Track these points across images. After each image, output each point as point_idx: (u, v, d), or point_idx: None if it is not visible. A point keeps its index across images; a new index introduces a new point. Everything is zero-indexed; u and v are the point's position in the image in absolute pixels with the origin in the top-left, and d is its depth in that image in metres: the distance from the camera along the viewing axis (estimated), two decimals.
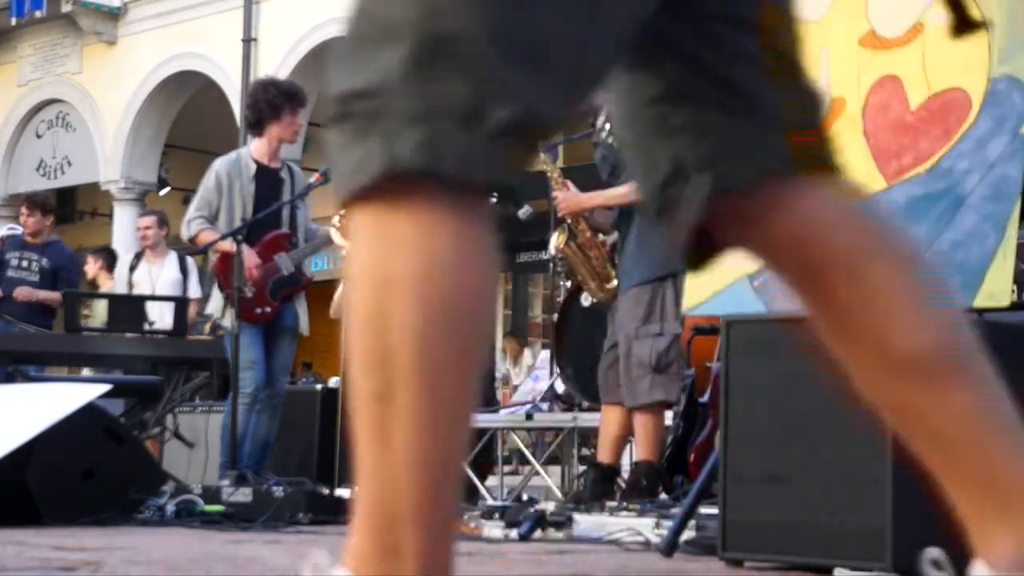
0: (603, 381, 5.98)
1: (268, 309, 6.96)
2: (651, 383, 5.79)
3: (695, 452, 6.06)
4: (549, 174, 6.05)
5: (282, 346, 7.10)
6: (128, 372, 8.19)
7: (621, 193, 5.92)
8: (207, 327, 7.86)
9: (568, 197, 6.00)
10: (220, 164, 7.09)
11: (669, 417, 6.49)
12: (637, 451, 6.02)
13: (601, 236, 6.10)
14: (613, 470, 6.03)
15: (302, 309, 7.17)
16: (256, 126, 7.15)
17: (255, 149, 7.14)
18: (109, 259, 11.26)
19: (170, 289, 9.39)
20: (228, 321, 6.91)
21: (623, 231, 5.96)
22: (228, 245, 6.76)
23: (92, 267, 11.18)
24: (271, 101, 7.07)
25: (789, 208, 1.63)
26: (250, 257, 6.81)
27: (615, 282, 6.03)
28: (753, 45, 1.57)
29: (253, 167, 7.04)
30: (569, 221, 6.04)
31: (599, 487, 5.90)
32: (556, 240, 6.05)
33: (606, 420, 5.97)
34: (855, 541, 3.31)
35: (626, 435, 6.05)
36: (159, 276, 9.57)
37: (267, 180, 7.07)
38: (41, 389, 6.14)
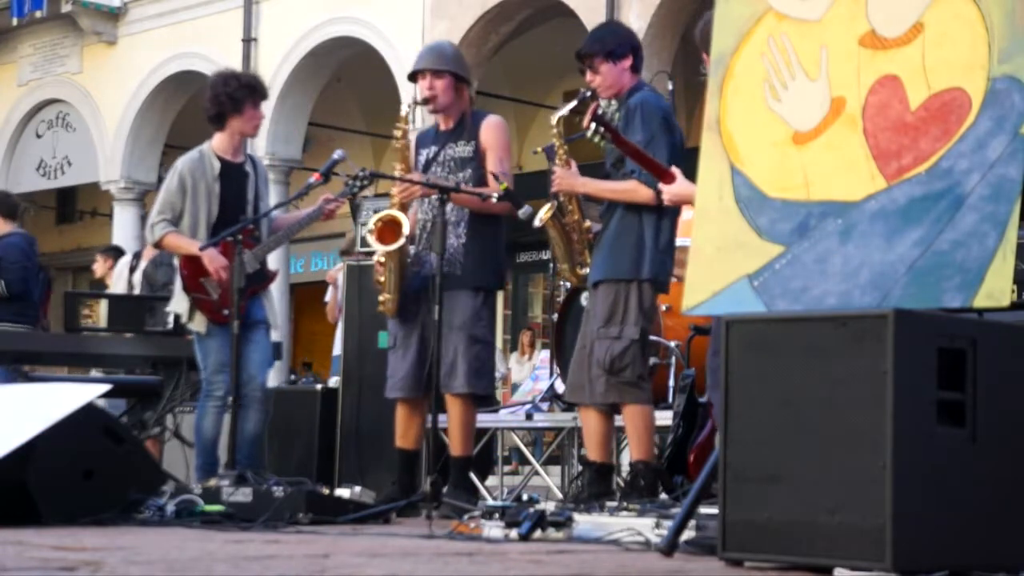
0: (574, 381, 5.99)
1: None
2: (606, 385, 5.82)
3: (695, 452, 6.07)
4: (557, 148, 6.05)
5: (257, 339, 6.87)
6: (128, 372, 8.20)
7: (613, 188, 5.94)
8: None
9: (565, 175, 6.01)
10: (183, 164, 6.91)
11: (669, 417, 6.50)
12: (631, 451, 6.03)
13: (588, 223, 6.13)
14: (607, 467, 6.04)
15: (270, 304, 7.01)
16: (217, 120, 6.94)
17: (217, 144, 6.95)
18: (117, 258, 11.24)
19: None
20: (196, 324, 6.80)
21: (604, 225, 5.98)
22: (192, 247, 6.67)
23: (101, 266, 11.17)
24: (232, 94, 6.89)
25: None
26: (216, 259, 6.72)
27: (587, 270, 6.05)
28: None
29: (218, 165, 6.87)
30: (561, 199, 6.06)
31: (596, 486, 5.91)
32: (543, 213, 6.06)
33: (585, 420, 6.00)
34: (855, 541, 3.31)
35: (609, 432, 6.06)
36: None
37: (232, 176, 6.91)
38: (41, 389, 6.14)
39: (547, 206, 6.08)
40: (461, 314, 6.29)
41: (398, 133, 6.42)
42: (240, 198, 6.90)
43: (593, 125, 5.46)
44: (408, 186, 6.31)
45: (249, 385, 6.80)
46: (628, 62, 6.06)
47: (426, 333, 6.42)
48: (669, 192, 5.42)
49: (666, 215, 5.91)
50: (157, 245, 7.03)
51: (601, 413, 5.93)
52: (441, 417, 6.68)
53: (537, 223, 6.09)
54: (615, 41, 6.08)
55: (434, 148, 6.52)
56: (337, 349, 10.82)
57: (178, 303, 6.88)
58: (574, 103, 6.15)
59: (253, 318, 6.87)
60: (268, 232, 6.99)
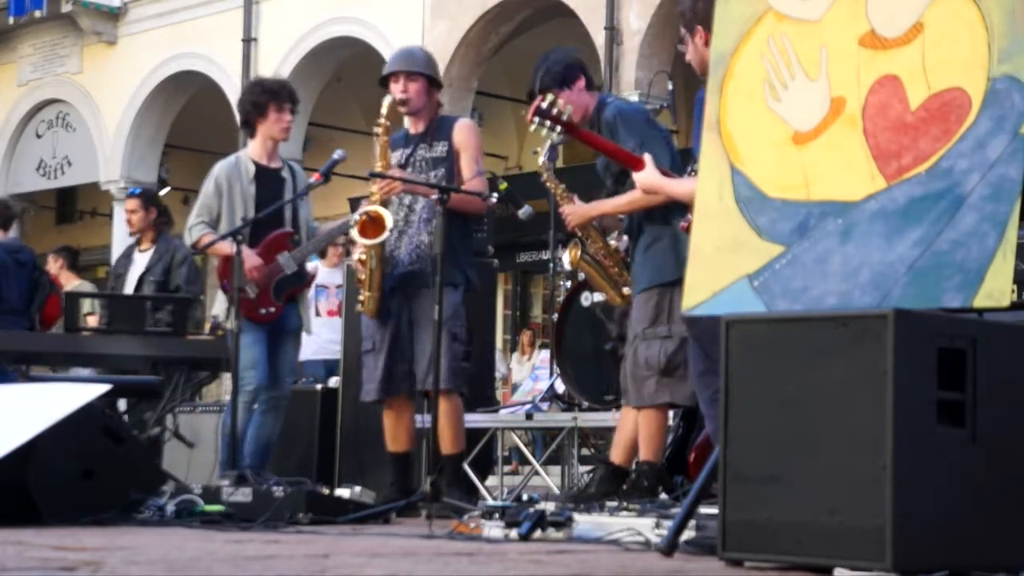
0: (624, 384, 5.98)
1: (272, 309, 6.96)
2: (657, 385, 5.80)
3: (695, 452, 6.07)
4: (553, 190, 6.04)
5: (287, 347, 7.11)
6: (128, 372, 8.18)
7: (625, 201, 5.91)
8: (206, 326, 7.86)
9: (574, 210, 5.98)
10: (219, 168, 7.08)
11: (669, 417, 6.49)
12: (640, 451, 6.02)
13: (613, 242, 6.10)
14: (623, 471, 6.01)
15: (304, 309, 7.20)
16: (247, 126, 7.18)
17: (252, 150, 7.14)
18: (70, 257, 11.27)
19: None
20: (232, 322, 6.88)
21: (633, 238, 5.95)
22: (228, 248, 6.74)
23: (53, 266, 11.14)
24: (255, 100, 7.09)
25: None
26: (250, 258, 6.79)
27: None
28: None
29: (252, 169, 7.04)
30: (579, 233, 6.05)
31: (606, 486, 5.90)
32: (570, 255, 6.07)
33: (624, 421, 5.97)
34: (855, 541, 3.31)
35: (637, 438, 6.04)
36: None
37: (268, 181, 7.06)
38: (41, 389, 6.14)
39: (569, 247, 6.09)
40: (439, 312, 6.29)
41: (379, 129, 6.44)
42: (276, 202, 7.00)
43: (537, 120, 5.43)
44: (389, 181, 6.34)
45: (277, 390, 7.05)
46: (581, 82, 6.02)
47: (400, 331, 6.45)
48: (639, 179, 5.39)
49: (689, 209, 5.87)
50: (195, 247, 7.13)
51: (637, 414, 5.89)
52: (424, 417, 6.72)
53: (568, 267, 6.13)
54: (562, 68, 6.01)
55: (406, 151, 6.54)
56: (306, 354, 10.73)
57: (219, 305, 7.07)
58: (547, 146, 6.11)
59: (287, 327, 7.10)
60: (307, 237, 7.16)
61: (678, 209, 5.77)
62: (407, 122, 6.64)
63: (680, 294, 5.76)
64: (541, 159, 6.11)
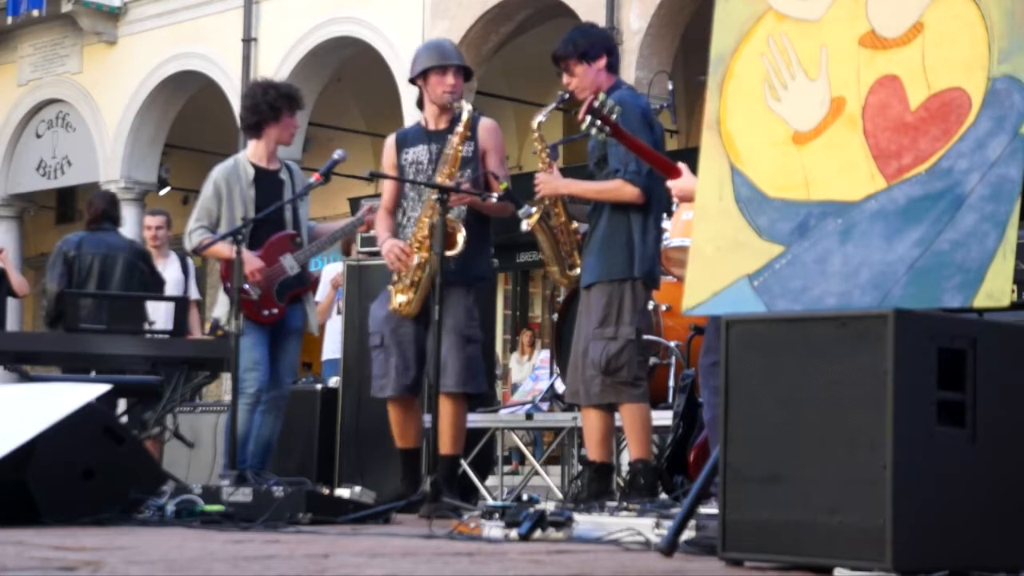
0: (572, 383, 6.01)
1: (275, 311, 6.96)
2: (602, 385, 5.82)
3: (695, 452, 6.07)
4: (538, 153, 6.10)
5: (288, 347, 7.11)
6: (128, 372, 8.19)
7: (598, 188, 5.96)
8: (206, 327, 7.87)
9: (547, 179, 6.07)
10: (217, 172, 7.06)
11: (669, 417, 6.50)
12: (629, 450, 6.03)
13: (575, 224, 6.16)
14: (607, 467, 6.05)
15: (310, 308, 7.19)
16: (254, 128, 7.12)
17: (252, 152, 7.11)
18: None
19: (173, 289, 9.41)
20: (233, 325, 6.88)
21: (591, 225, 6.00)
22: (227, 250, 6.74)
23: None
24: (272, 103, 7.07)
25: None
26: (252, 261, 6.78)
27: (578, 271, 6.08)
28: None
29: (252, 171, 7.02)
30: (547, 202, 6.09)
31: (596, 485, 5.92)
32: (531, 219, 6.11)
33: (586, 420, 6.01)
34: (855, 541, 3.31)
35: (609, 431, 6.07)
36: (163, 276, 9.57)
37: (267, 182, 7.05)
38: (41, 389, 6.13)
39: (533, 211, 6.13)
40: (454, 314, 6.29)
41: (455, 140, 6.39)
42: (276, 204, 6.98)
43: (588, 118, 5.47)
44: (462, 195, 6.29)
45: (276, 390, 7.06)
46: (602, 62, 6.06)
47: (413, 330, 6.43)
48: (676, 187, 5.39)
49: (652, 213, 5.92)
50: (196, 251, 7.13)
51: (601, 412, 5.93)
52: (428, 416, 6.72)
53: (524, 228, 6.14)
54: (587, 42, 6.08)
55: (433, 147, 6.49)
56: (328, 353, 10.75)
57: (220, 307, 7.05)
58: (552, 106, 6.23)
59: (290, 326, 7.10)
60: (309, 238, 7.15)
61: (641, 208, 5.82)
62: (428, 115, 6.58)
63: (630, 293, 5.85)
64: (539, 118, 6.16)
